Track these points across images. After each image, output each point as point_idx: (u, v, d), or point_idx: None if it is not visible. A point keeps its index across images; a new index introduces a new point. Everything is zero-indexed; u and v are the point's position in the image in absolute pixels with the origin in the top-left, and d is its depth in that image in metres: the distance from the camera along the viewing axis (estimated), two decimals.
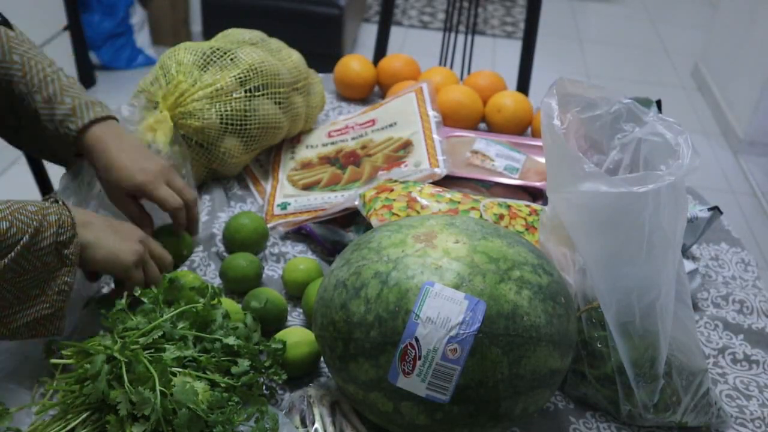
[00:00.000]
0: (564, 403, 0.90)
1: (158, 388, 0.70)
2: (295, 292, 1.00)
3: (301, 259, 1.03)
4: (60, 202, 0.81)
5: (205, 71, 1.16)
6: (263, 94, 1.19)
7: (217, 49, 1.18)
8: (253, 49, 1.21)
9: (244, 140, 1.19)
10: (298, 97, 1.26)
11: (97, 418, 0.72)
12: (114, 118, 0.99)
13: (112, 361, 0.73)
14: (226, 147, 1.17)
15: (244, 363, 0.78)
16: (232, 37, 1.27)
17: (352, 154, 1.25)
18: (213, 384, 0.76)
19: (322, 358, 0.87)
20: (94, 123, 0.95)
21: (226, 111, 1.15)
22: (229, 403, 0.74)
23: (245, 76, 1.17)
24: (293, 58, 1.28)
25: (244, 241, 1.05)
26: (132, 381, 0.71)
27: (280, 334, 0.88)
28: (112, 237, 0.84)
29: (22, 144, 1.02)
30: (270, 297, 0.92)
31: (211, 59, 1.17)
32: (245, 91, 1.16)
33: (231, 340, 0.79)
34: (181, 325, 0.80)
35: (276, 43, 1.31)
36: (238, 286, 0.99)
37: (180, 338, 0.79)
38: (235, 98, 1.16)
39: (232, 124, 1.16)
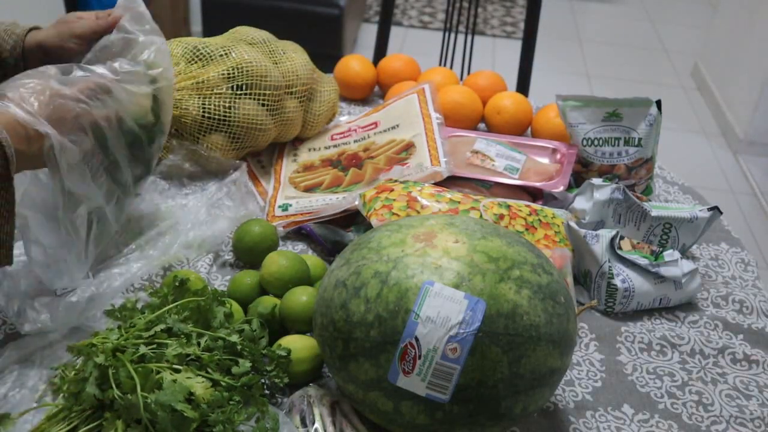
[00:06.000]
0: (564, 403, 0.90)
1: (140, 393, 0.70)
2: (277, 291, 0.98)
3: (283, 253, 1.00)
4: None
5: (192, 64, 1.17)
6: (247, 94, 1.19)
7: (210, 45, 1.19)
8: (248, 49, 1.21)
9: (228, 137, 1.19)
10: (291, 102, 1.25)
11: (99, 416, 0.73)
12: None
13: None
14: (211, 141, 1.18)
15: (246, 363, 0.78)
16: (237, 35, 1.27)
17: (355, 156, 1.25)
18: (215, 383, 0.76)
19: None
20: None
21: (209, 105, 1.16)
22: (230, 402, 0.74)
23: (230, 74, 1.17)
24: (294, 62, 1.26)
25: (253, 249, 1.04)
26: (118, 386, 0.71)
27: (286, 342, 0.87)
28: None
29: None
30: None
31: (202, 54, 1.17)
32: (230, 89, 1.17)
33: (234, 338, 0.80)
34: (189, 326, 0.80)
35: (284, 45, 1.29)
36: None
37: (183, 335, 0.79)
38: (217, 93, 1.16)
39: (213, 119, 1.17)
